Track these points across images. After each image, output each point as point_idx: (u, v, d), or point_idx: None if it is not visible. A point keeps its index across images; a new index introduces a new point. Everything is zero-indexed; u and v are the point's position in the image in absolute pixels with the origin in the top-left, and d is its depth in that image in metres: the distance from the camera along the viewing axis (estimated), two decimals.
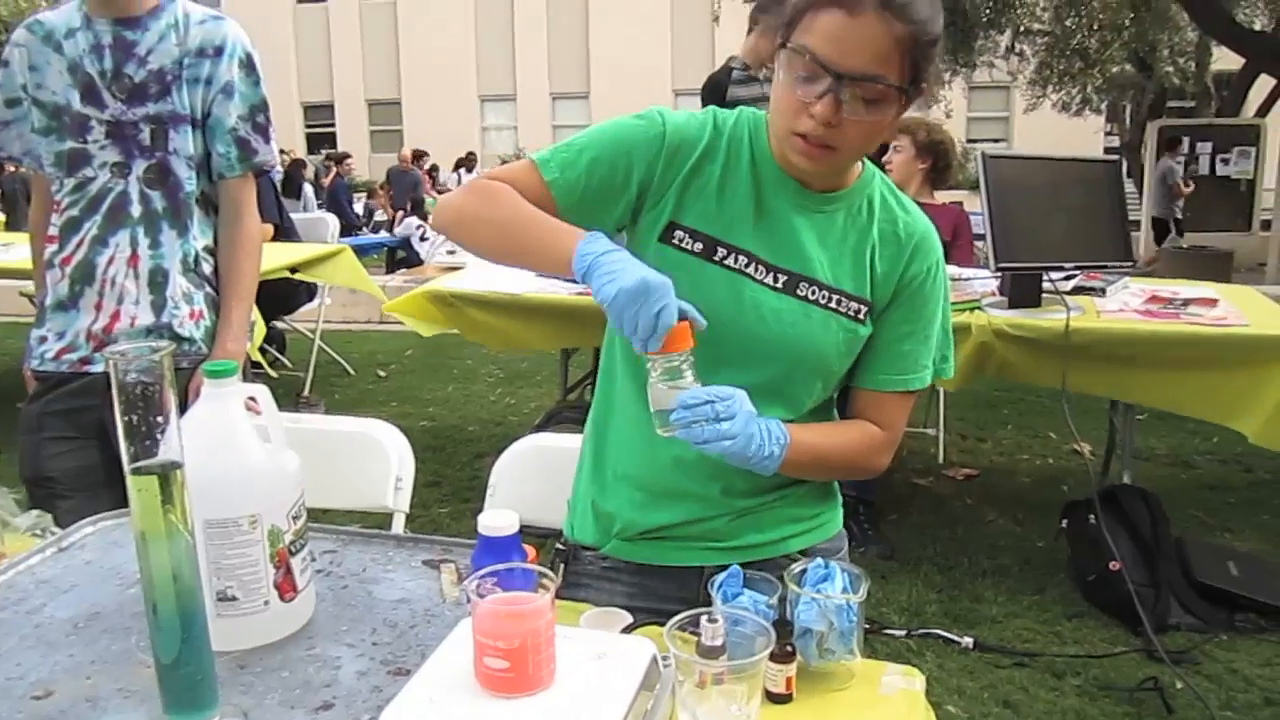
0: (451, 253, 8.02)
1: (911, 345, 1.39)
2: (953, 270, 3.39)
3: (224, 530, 1.04)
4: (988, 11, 12.72)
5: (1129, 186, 13.73)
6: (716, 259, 1.33)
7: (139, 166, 2.02)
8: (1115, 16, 12.82)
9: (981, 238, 3.31)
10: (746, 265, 1.33)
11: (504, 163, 1.48)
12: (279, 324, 5.83)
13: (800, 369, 1.36)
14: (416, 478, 1.93)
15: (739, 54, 4.82)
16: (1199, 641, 2.89)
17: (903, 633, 2.96)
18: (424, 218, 12.89)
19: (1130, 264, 3.43)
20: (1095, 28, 13.37)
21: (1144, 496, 3.29)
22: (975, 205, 3.41)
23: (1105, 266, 3.46)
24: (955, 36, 12.65)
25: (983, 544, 3.61)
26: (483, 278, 3.94)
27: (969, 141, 20.78)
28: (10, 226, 9.37)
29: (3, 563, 1.29)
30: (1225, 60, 13.68)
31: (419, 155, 16.41)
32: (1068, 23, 13.64)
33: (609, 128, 1.35)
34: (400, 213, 13.98)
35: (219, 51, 2.04)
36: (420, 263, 10.72)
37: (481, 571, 0.94)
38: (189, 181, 2.05)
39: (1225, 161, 12.58)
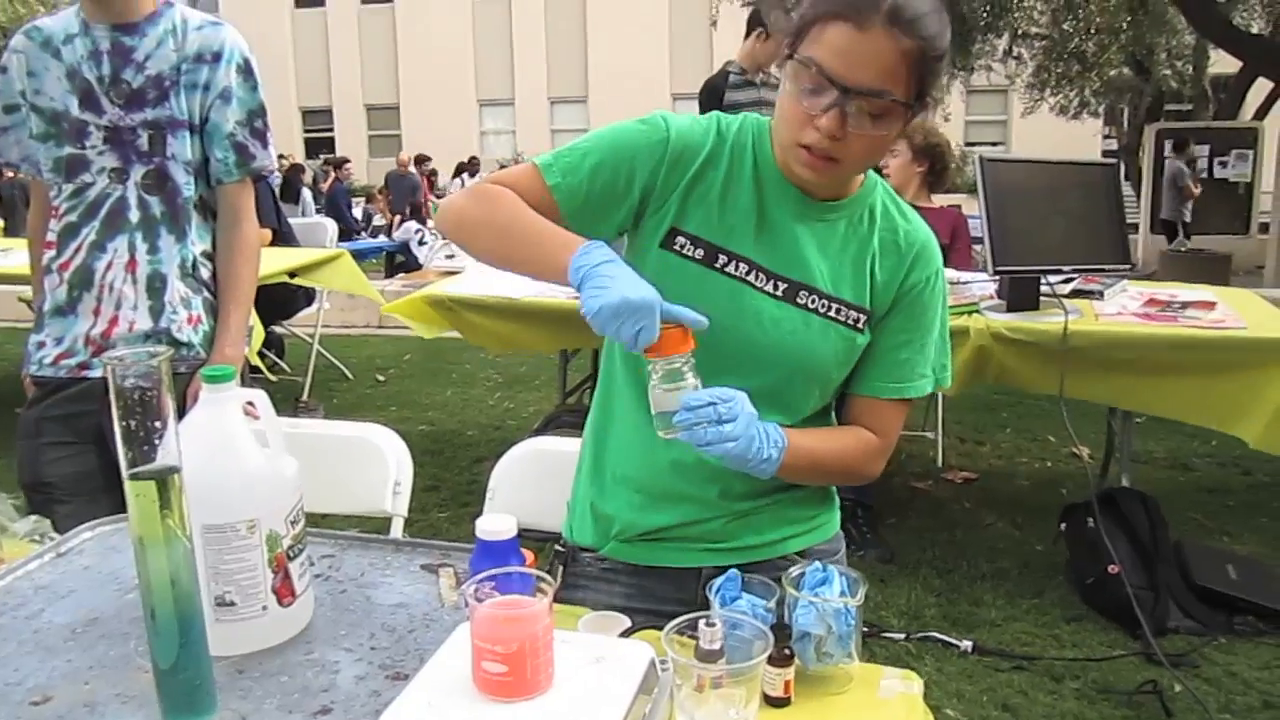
0: (450, 257, 8.03)
1: (909, 354, 1.39)
2: (951, 274, 3.39)
3: (222, 535, 1.04)
4: (985, 15, 12.72)
5: (1127, 189, 13.74)
6: (717, 266, 1.33)
7: (137, 172, 2.02)
8: (1113, 20, 12.82)
9: (979, 241, 3.31)
10: (747, 273, 1.33)
11: (502, 167, 1.48)
12: (277, 329, 5.82)
13: (798, 376, 1.36)
14: (415, 482, 1.93)
15: (736, 58, 4.84)
16: (1198, 645, 2.89)
17: (901, 636, 2.96)
18: (423, 222, 12.90)
19: (1128, 267, 3.44)
20: (1093, 31, 13.37)
21: (1143, 500, 3.29)
22: (973, 208, 3.41)
23: (1103, 269, 3.46)
24: (953, 40, 12.54)
25: (981, 547, 3.61)
26: (481, 282, 3.94)
27: (967, 145, 20.80)
28: (9, 232, 9.35)
29: (1, 568, 1.29)
30: (1223, 63, 13.70)
31: (422, 160, 16.40)
32: (1065, 26, 13.65)
33: (612, 132, 1.35)
34: (398, 217, 13.99)
35: (217, 57, 2.04)
36: (419, 267, 10.72)
37: (480, 576, 0.94)
38: (187, 187, 2.05)
39: (1223, 164, 12.61)
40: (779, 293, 1.33)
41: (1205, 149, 12.68)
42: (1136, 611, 2.82)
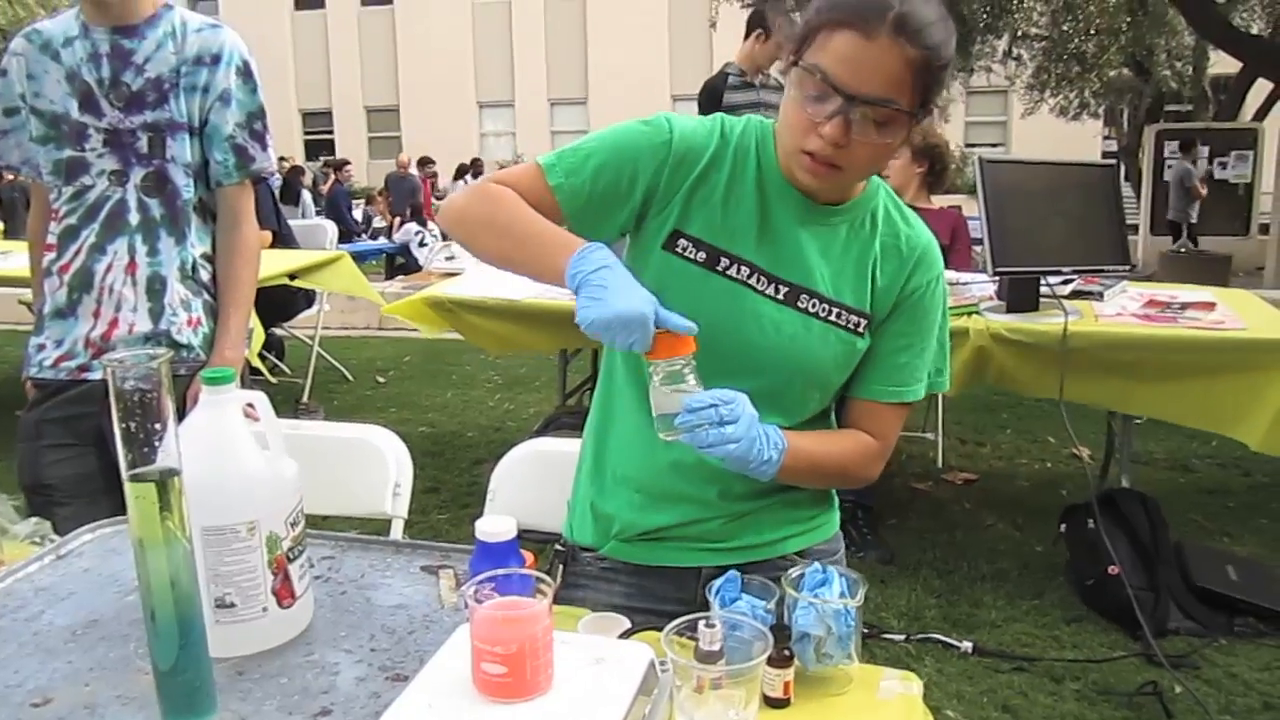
0: (450, 258, 8.02)
1: (908, 358, 1.39)
2: (950, 275, 3.40)
3: (222, 537, 1.04)
4: (985, 16, 12.73)
5: (1127, 190, 13.75)
6: (719, 269, 1.33)
7: (137, 174, 2.02)
8: (1112, 21, 12.84)
9: (979, 242, 3.31)
10: (749, 276, 1.33)
11: (502, 169, 1.48)
12: (278, 330, 5.83)
13: (797, 379, 1.36)
14: (415, 484, 1.93)
15: (735, 60, 4.84)
16: (1198, 646, 2.89)
17: (902, 637, 2.96)
18: (424, 224, 12.90)
19: (1128, 268, 3.44)
20: (1092, 32, 13.39)
21: (1143, 501, 3.29)
22: (973, 209, 3.41)
23: (1103, 270, 3.46)
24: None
25: (981, 548, 3.61)
26: (481, 283, 3.95)
27: (967, 146, 20.82)
28: (9, 235, 9.36)
29: (1, 570, 1.29)
30: (1223, 64, 13.72)
31: (426, 162, 16.39)
32: (1065, 27, 13.66)
33: (615, 133, 1.35)
34: (398, 219, 13.99)
35: (216, 59, 2.04)
36: (419, 269, 10.72)
37: (479, 577, 0.94)
38: (187, 189, 2.06)
39: (1223, 165, 12.62)
40: (780, 296, 1.33)
41: (1205, 150, 12.69)
42: (1137, 613, 2.82)
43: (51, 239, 2.05)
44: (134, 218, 2.02)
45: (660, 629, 1.03)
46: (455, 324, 3.88)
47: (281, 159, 14.02)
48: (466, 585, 0.94)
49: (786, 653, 1.09)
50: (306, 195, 13.27)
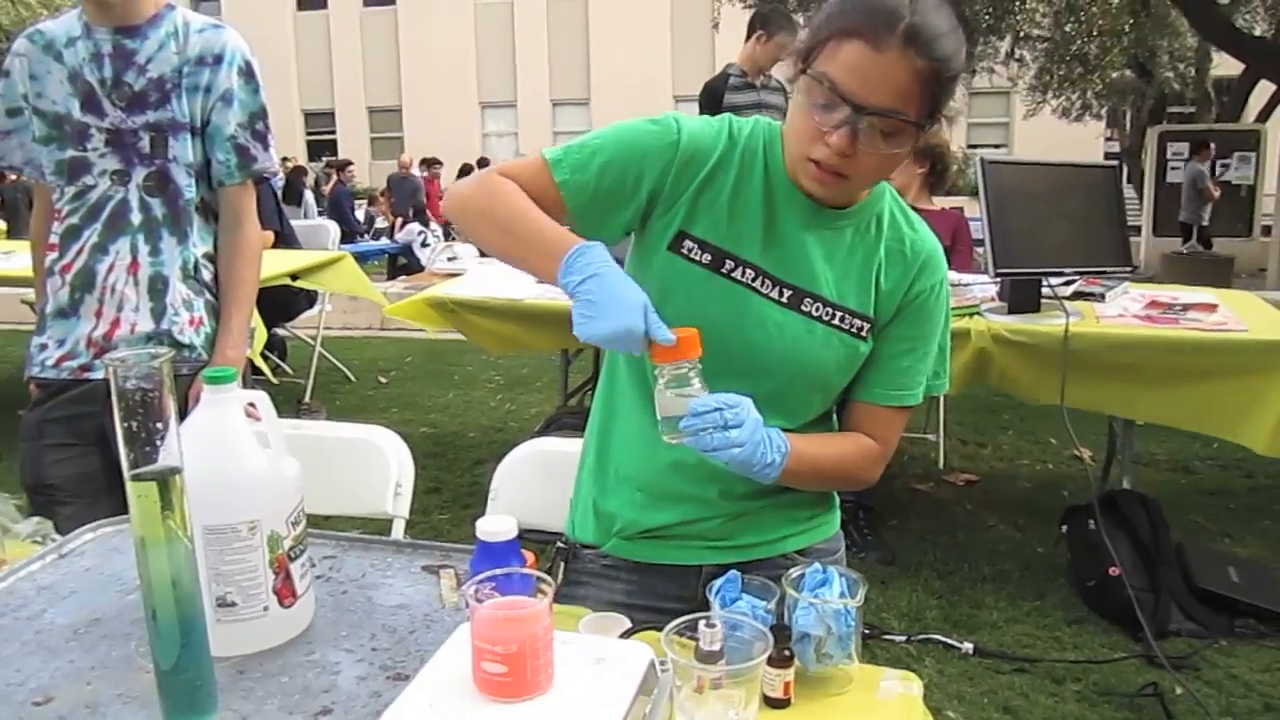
0: (453, 259, 8.03)
1: (910, 361, 1.40)
2: (952, 275, 3.38)
3: (223, 536, 1.04)
4: (987, 17, 12.74)
5: (1129, 192, 13.74)
6: (724, 271, 1.33)
7: (139, 174, 2.02)
8: (1115, 22, 12.84)
9: (981, 243, 3.31)
10: (754, 279, 1.33)
11: None
12: (280, 331, 5.83)
13: (800, 382, 1.37)
14: (417, 484, 1.93)
15: (736, 61, 4.85)
16: (1199, 647, 2.89)
17: (903, 638, 2.96)
18: (426, 224, 12.91)
19: (1129, 269, 3.43)
20: (1095, 33, 13.39)
21: (1144, 502, 3.29)
22: (975, 210, 3.41)
23: (1104, 272, 3.46)
24: None
25: (983, 549, 3.61)
26: (482, 283, 3.95)
27: (969, 147, 20.80)
28: (12, 234, 9.39)
29: (3, 569, 1.29)
30: (1225, 66, 13.70)
31: (432, 163, 16.39)
32: (1067, 28, 13.66)
33: (623, 131, 1.34)
34: (400, 219, 14.00)
35: (218, 60, 2.04)
36: (421, 269, 10.73)
37: (480, 576, 0.94)
38: (189, 189, 2.06)
39: (1226, 167, 12.60)
40: (784, 299, 1.34)
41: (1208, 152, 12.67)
42: (1138, 614, 2.82)
43: (54, 239, 2.06)
44: (136, 217, 2.02)
45: (661, 626, 1.03)
46: (457, 324, 3.89)
47: (284, 159, 14.03)
48: (467, 585, 0.94)
49: (787, 653, 1.09)
50: (309, 195, 13.28)
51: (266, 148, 2.14)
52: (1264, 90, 13.77)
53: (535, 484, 1.81)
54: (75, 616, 1.16)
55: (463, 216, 1.35)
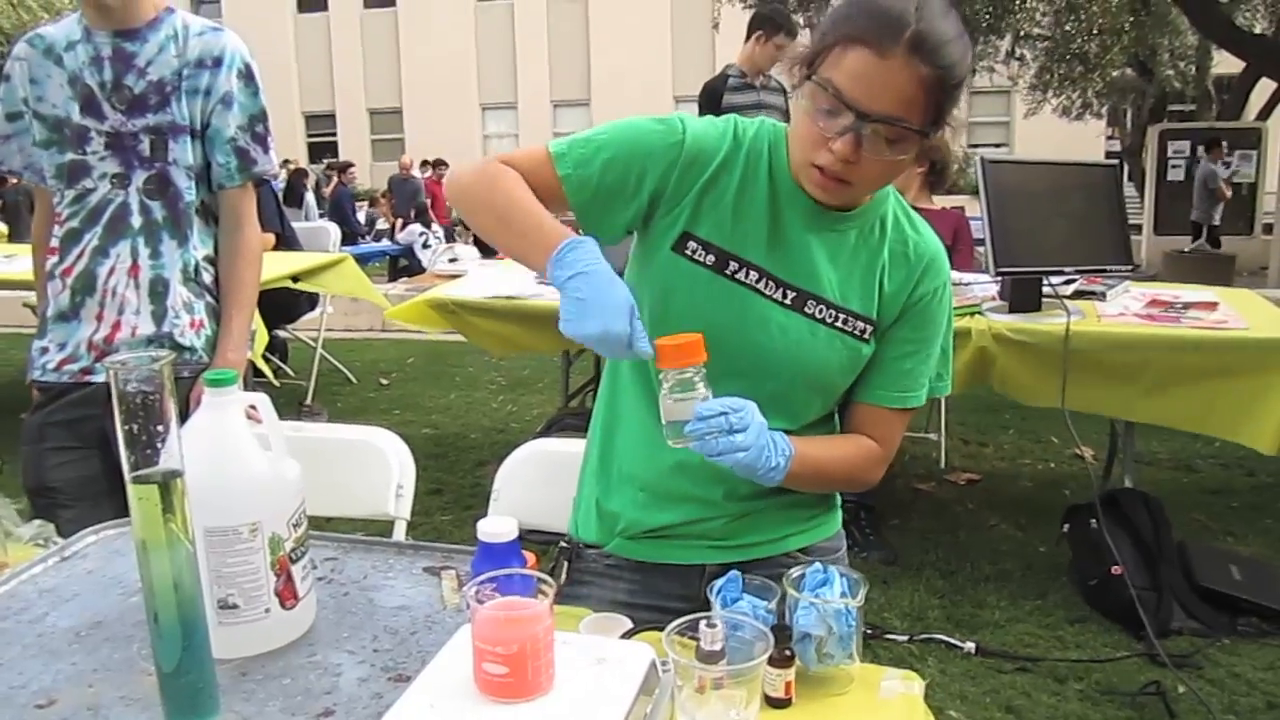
0: (454, 260, 8.03)
1: (913, 364, 1.40)
2: (953, 275, 3.39)
3: (225, 538, 1.05)
4: (988, 16, 12.74)
5: (1130, 190, 13.73)
6: (728, 273, 1.33)
7: (139, 177, 2.02)
8: (1115, 20, 12.83)
9: (981, 242, 3.31)
10: (757, 281, 1.33)
11: None
12: (281, 333, 5.83)
13: (802, 384, 1.37)
14: (419, 485, 1.93)
15: (736, 61, 4.85)
16: (1201, 646, 2.88)
17: (905, 638, 2.96)
18: (428, 225, 12.91)
19: (1130, 268, 3.43)
20: (1095, 32, 13.37)
21: (1146, 500, 3.28)
22: (975, 210, 3.41)
23: (1105, 270, 3.46)
24: None
25: (984, 549, 3.60)
26: (483, 285, 3.95)
27: (970, 146, 20.78)
28: (13, 238, 9.40)
29: (5, 572, 1.29)
30: (1226, 64, 13.69)
31: (437, 164, 16.40)
32: (1067, 27, 13.65)
33: (628, 129, 1.34)
34: (400, 220, 14.01)
35: (218, 62, 2.05)
36: (423, 270, 10.74)
37: (481, 577, 0.94)
38: (189, 191, 2.06)
39: (1227, 165, 12.58)
40: (787, 301, 1.34)
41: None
42: (1140, 613, 2.82)
43: (54, 242, 2.06)
44: (136, 220, 2.03)
45: (664, 626, 1.03)
46: (458, 326, 3.89)
47: (284, 161, 14.06)
48: (468, 586, 0.94)
49: (788, 653, 1.09)
50: (310, 197, 13.30)
51: (266, 150, 2.14)
52: (1265, 88, 13.76)
53: (537, 485, 1.81)
54: (77, 619, 1.17)
55: (462, 200, 1.36)
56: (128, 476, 0.88)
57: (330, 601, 1.22)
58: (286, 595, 1.10)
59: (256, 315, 2.27)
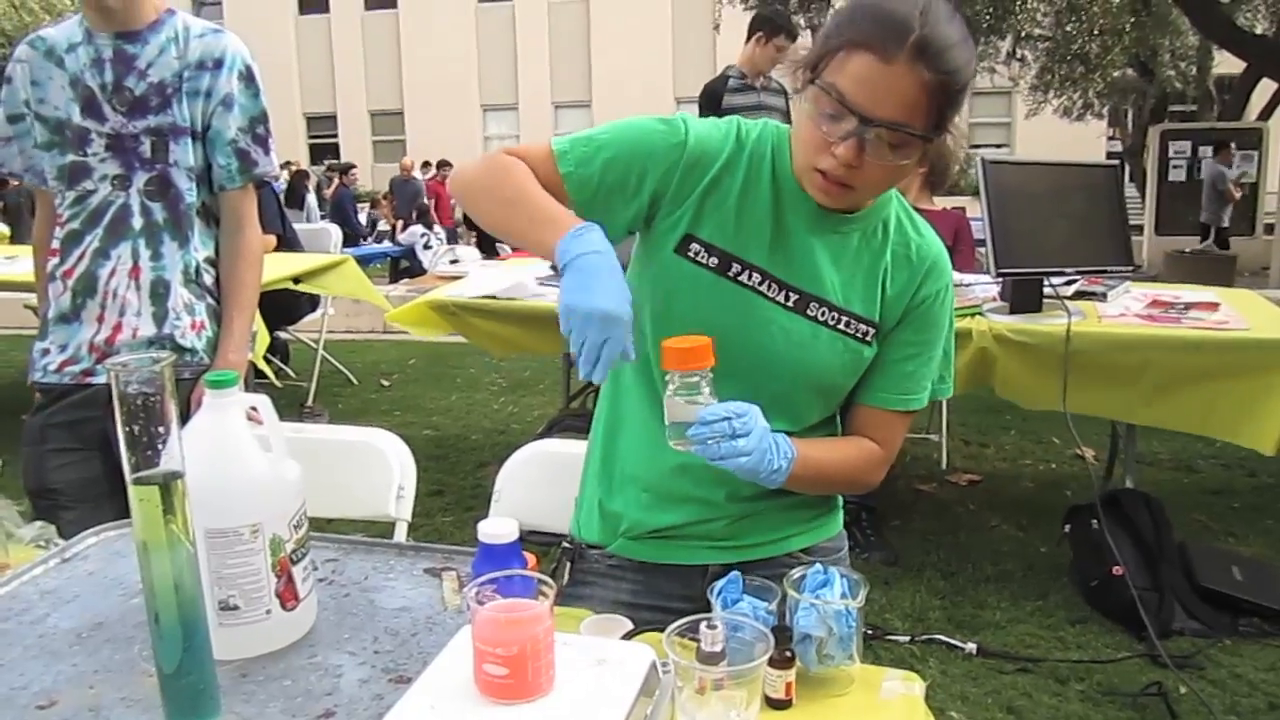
0: (454, 262, 8.03)
1: (915, 366, 1.40)
2: (954, 276, 3.39)
3: (225, 540, 1.05)
4: (989, 17, 12.74)
5: (1131, 191, 13.73)
6: (730, 275, 1.33)
7: (139, 179, 2.03)
8: (1116, 21, 12.84)
9: (982, 243, 3.31)
10: (760, 283, 1.33)
11: None
12: (282, 334, 5.84)
13: (804, 386, 1.37)
14: (420, 486, 1.93)
15: (736, 63, 4.85)
16: (1203, 646, 2.88)
17: (906, 639, 2.96)
18: (430, 227, 12.93)
19: (1131, 268, 3.43)
20: (1096, 32, 13.38)
21: (1147, 501, 3.28)
22: (976, 210, 3.41)
23: (1106, 271, 3.46)
24: None
25: (986, 549, 3.60)
26: (484, 286, 3.95)
27: (971, 147, 20.75)
28: (15, 239, 9.40)
29: (7, 574, 1.29)
30: (1227, 64, 13.69)
31: (442, 165, 16.41)
32: (1068, 28, 13.66)
33: (631, 128, 1.35)
34: (401, 222, 14.03)
35: (219, 64, 2.05)
36: (424, 272, 10.74)
37: (481, 579, 0.94)
38: (189, 193, 2.06)
39: (1229, 166, 12.58)
40: (790, 303, 1.34)
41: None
42: (1141, 613, 2.82)
43: (55, 244, 2.06)
44: (137, 222, 2.03)
45: (666, 626, 1.03)
46: (459, 327, 3.89)
47: (285, 163, 14.07)
48: (469, 587, 0.94)
49: (788, 654, 1.09)
50: (311, 199, 13.32)
51: (267, 152, 2.14)
52: (1266, 88, 13.76)
53: (538, 486, 1.81)
54: (78, 620, 1.17)
55: (468, 192, 1.36)
56: (129, 478, 0.88)
57: (331, 603, 1.22)
58: (287, 596, 1.10)
59: (258, 316, 2.27)
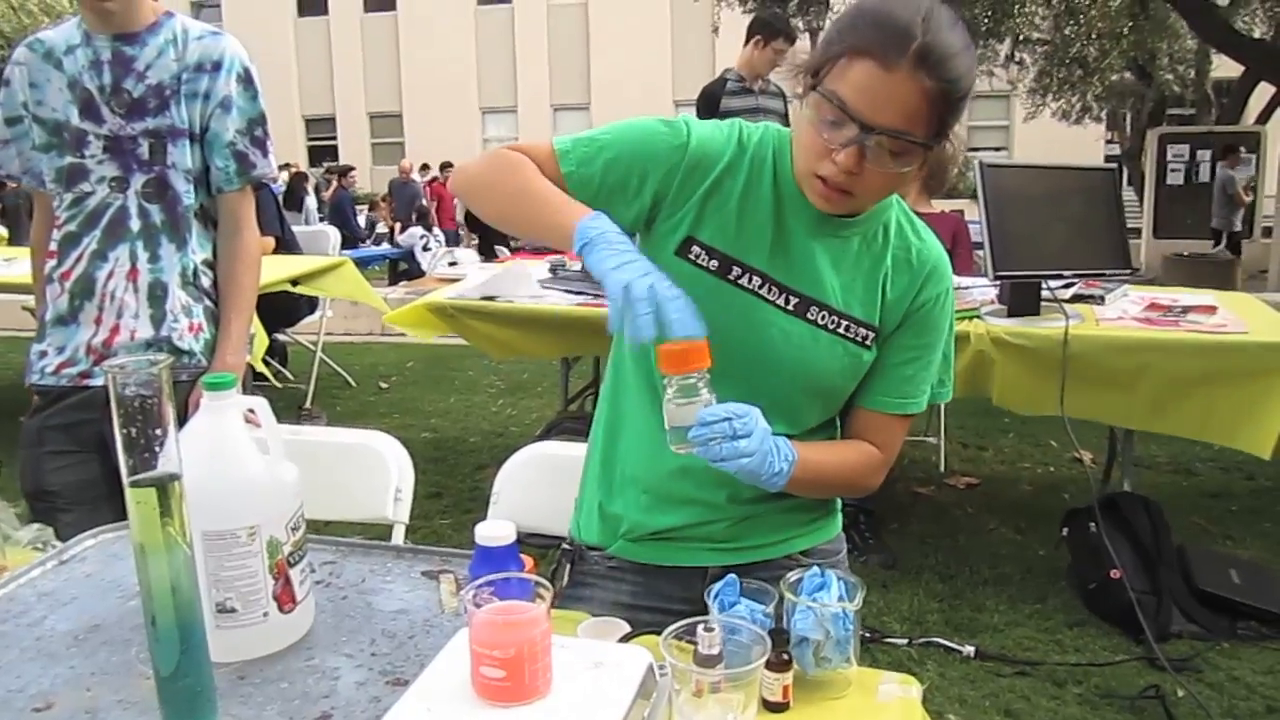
0: (453, 264, 8.04)
1: (914, 370, 1.40)
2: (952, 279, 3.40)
3: (223, 542, 1.05)
4: (987, 20, 12.75)
5: (1129, 194, 13.74)
6: (731, 278, 1.33)
7: (137, 181, 2.03)
8: (1114, 25, 12.84)
9: (980, 246, 3.31)
10: (760, 286, 1.33)
11: None
12: (280, 336, 5.84)
13: (803, 389, 1.37)
14: (418, 489, 1.93)
15: (734, 66, 4.85)
16: (1201, 649, 2.88)
17: (904, 641, 2.96)
18: (429, 229, 12.93)
19: (1129, 271, 3.43)
20: (1094, 36, 13.38)
21: (1145, 504, 3.29)
22: (974, 214, 3.41)
23: (1104, 274, 3.46)
24: None
25: (984, 552, 3.60)
26: (482, 288, 3.95)
27: (969, 150, 20.75)
28: (13, 241, 9.40)
29: (4, 576, 1.29)
30: (1225, 68, 13.71)
31: (444, 167, 16.42)
32: (1067, 31, 13.67)
33: (633, 129, 1.35)
34: (399, 224, 14.03)
35: (217, 66, 2.05)
36: (422, 274, 10.74)
37: (478, 581, 0.94)
38: (187, 195, 2.06)
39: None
40: (790, 307, 1.34)
41: (1208, 154, 12.68)
42: (1139, 616, 2.82)
43: (53, 246, 2.06)
44: (135, 224, 2.03)
45: (666, 627, 1.03)
46: (457, 329, 3.89)
47: (284, 165, 14.07)
48: (466, 589, 0.94)
49: (785, 656, 1.09)
50: (310, 201, 13.31)
51: (265, 154, 2.14)
52: (1264, 92, 13.77)
53: (536, 488, 1.82)
54: (75, 623, 1.17)
55: (472, 187, 1.36)
56: (126, 480, 0.88)
57: (328, 605, 1.22)
58: (284, 599, 1.10)
59: (256, 319, 2.27)
